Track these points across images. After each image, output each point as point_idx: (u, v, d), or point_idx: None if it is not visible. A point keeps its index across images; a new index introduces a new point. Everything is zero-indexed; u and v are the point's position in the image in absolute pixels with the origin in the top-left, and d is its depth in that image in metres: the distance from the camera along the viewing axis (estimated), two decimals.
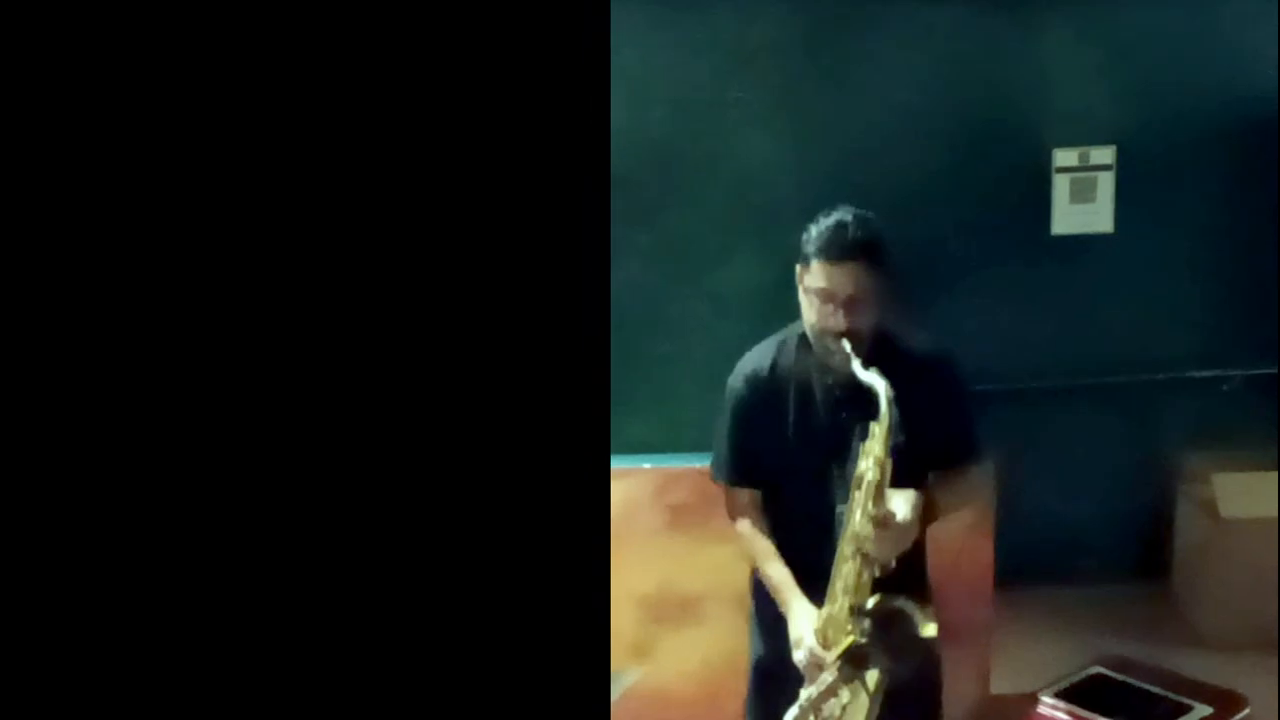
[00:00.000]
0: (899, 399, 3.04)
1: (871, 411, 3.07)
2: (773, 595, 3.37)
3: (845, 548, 3.13)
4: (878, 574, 3.10)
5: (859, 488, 3.09)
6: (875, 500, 3.05)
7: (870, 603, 3.06)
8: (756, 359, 3.43)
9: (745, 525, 3.48)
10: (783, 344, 3.41)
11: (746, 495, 3.49)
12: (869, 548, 3.07)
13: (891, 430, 3.04)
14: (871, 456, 3.07)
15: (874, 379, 3.06)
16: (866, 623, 3.04)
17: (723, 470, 3.51)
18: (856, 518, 3.08)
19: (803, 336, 3.33)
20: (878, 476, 3.05)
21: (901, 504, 3.08)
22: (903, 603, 3.06)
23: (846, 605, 3.10)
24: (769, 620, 3.43)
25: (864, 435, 3.11)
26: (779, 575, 3.35)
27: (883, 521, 3.04)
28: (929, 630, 3.02)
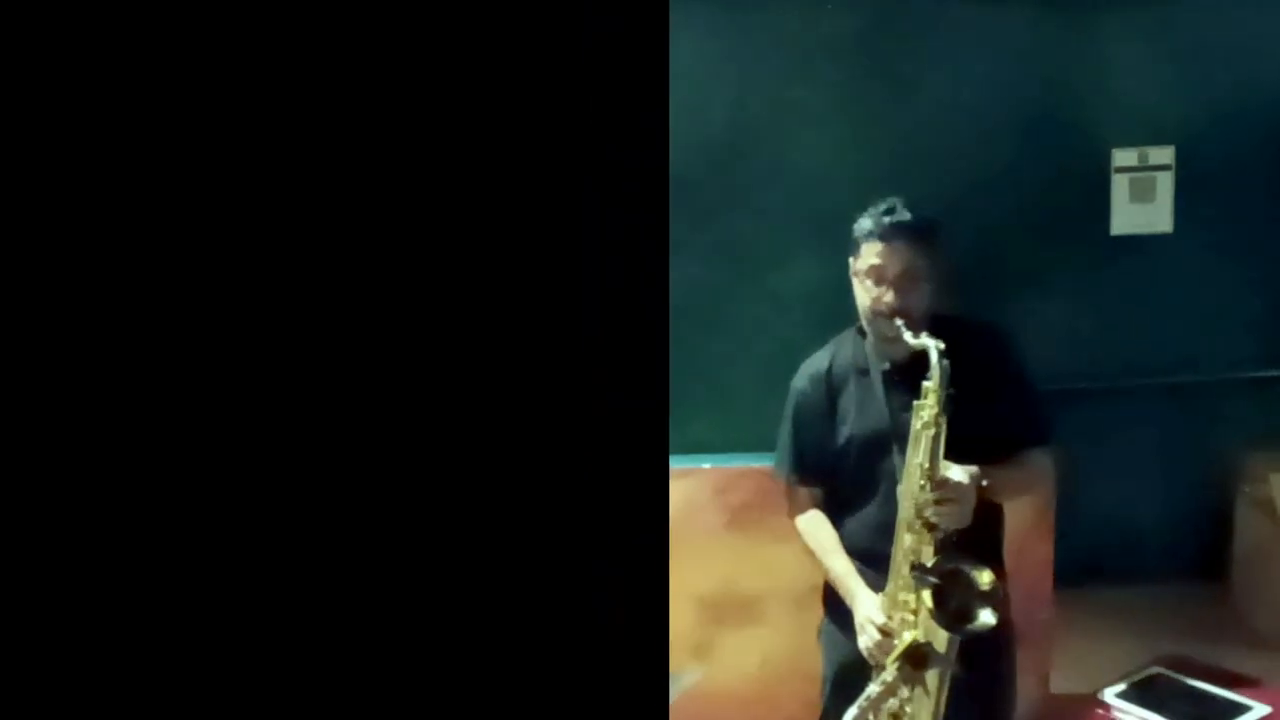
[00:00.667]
0: (956, 379, 3.04)
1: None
2: (836, 588, 3.38)
3: (904, 512, 3.11)
4: (939, 543, 3.07)
5: (915, 446, 3.09)
6: (930, 460, 3.05)
7: (929, 563, 3.05)
8: (817, 358, 3.48)
9: (806, 523, 3.50)
10: (840, 341, 3.45)
11: (808, 494, 3.51)
12: (929, 514, 3.05)
13: (943, 385, 3.03)
14: (925, 412, 3.07)
15: (925, 340, 3.07)
16: (927, 580, 3.03)
17: (785, 469, 3.53)
18: (914, 477, 3.07)
19: (859, 329, 3.36)
20: (932, 432, 3.05)
21: (958, 470, 3.06)
22: (961, 561, 3.04)
23: (909, 578, 3.09)
24: (842, 632, 3.42)
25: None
26: (841, 567, 3.36)
27: (939, 484, 3.04)
28: (985, 579, 3.01)
